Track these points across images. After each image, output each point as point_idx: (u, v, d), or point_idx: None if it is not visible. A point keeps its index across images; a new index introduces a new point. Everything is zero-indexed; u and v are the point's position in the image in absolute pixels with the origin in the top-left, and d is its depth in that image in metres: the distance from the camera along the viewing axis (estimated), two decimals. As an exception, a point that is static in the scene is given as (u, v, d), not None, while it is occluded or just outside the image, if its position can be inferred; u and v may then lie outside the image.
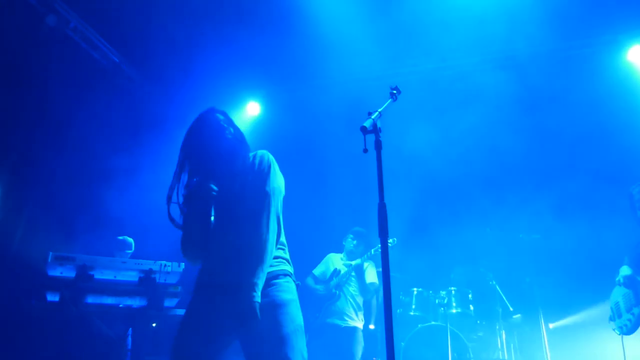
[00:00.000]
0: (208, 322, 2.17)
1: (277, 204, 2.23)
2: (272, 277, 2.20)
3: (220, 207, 2.34)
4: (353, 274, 4.89)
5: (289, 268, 2.33)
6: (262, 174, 2.25)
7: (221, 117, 2.41)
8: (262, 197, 2.19)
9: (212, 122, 2.36)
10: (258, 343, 2.05)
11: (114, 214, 5.22)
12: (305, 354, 2.13)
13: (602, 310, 4.86)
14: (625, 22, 5.35)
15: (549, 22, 5.14)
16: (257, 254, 2.09)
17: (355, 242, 5.06)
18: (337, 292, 4.82)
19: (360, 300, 4.87)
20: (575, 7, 5.01)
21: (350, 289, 4.86)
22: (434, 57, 5.91)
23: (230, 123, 2.43)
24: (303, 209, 5.44)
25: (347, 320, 4.71)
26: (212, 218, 2.33)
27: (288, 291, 2.23)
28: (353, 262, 4.91)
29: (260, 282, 2.05)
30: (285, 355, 2.03)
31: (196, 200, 2.29)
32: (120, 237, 4.96)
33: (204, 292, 2.25)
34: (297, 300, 2.25)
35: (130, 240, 4.98)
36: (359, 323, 4.78)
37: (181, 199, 2.31)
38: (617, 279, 4.06)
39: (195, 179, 2.32)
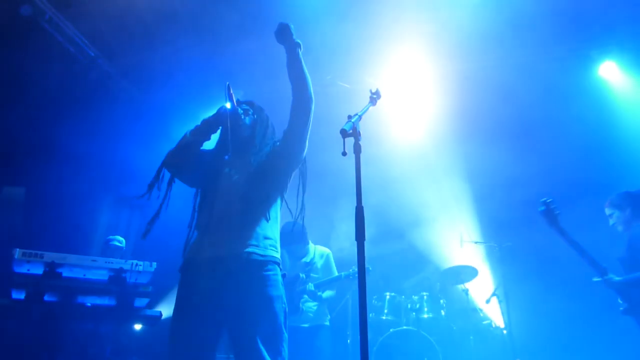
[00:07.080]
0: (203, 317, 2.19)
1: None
2: (262, 265, 2.22)
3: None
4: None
5: (278, 254, 2.34)
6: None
7: None
8: None
9: None
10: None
11: (88, 211, 5.13)
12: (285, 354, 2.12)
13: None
14: (596, 38, 5.50)
15: (519, 36, 5.23)
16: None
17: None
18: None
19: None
20: (546, 21, 5.11)
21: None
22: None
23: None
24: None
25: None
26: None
27: (275, 286, 2.21)
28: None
29: None
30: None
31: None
32: (111, 237, 4.96)
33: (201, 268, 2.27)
34: (284, 296, 2.22)
35: (121, 239, 4.98)
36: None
37: None
38: None
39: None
